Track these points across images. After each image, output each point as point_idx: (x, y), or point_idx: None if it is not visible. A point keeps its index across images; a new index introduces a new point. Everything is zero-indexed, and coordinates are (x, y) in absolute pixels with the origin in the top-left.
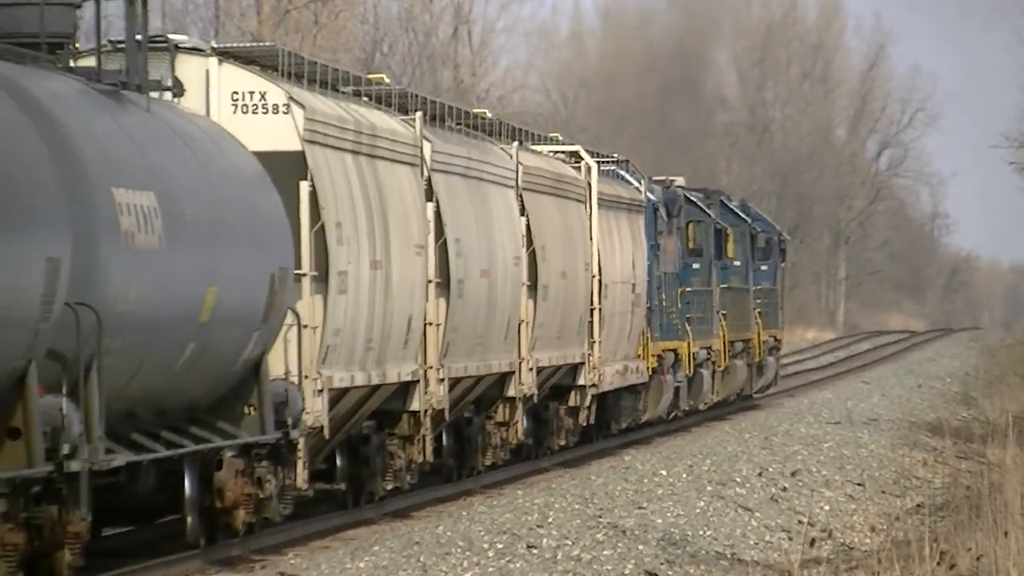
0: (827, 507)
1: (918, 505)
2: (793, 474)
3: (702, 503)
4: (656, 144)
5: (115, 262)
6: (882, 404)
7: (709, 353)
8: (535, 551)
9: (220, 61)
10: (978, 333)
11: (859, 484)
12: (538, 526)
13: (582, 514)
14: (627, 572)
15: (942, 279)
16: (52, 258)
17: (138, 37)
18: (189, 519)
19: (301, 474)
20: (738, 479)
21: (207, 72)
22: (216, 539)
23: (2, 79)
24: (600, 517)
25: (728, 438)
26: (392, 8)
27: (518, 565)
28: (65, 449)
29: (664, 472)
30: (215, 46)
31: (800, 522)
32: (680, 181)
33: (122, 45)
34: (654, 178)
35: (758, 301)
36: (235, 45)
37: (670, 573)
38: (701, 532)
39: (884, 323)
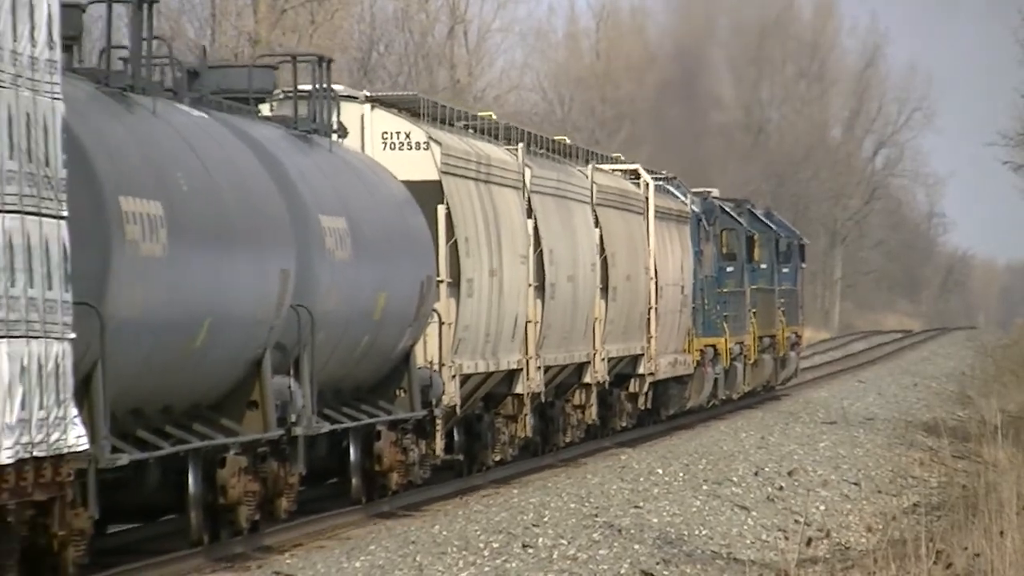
0: (823, 506)
1: (914, 504)
2: (790, 473)
3: (698, 502)
4: (651, 144)
5: (323, 273)
6: (878, 403)
7: (741, 348)
8: (531, 550)
9: (372, 107)
10: (974, 332)
11: (855, 483)
12: (534, 525)
13: (578, 513)
14: (623, 571)
15: (938, 278)
16: (284, 270)
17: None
18: (354, 480)
19: (439, 444)
20: (734, 478)
21: (362, 116)
22: (373, 497)
23: (237, 131)
24: (596, 516)
25: (724, 437)
26: (388, 8)
27: (514, 564)
28: (292, 418)
29: (660, 471)
30: (367, 95)
31: (796, 521)
32: (715, 192)
33: (295, 93)
34: (692, 190)
35: (781, 300)
36: (383, 94)
37: (666, 572)
38: (697, 531)
39: (880, 323)
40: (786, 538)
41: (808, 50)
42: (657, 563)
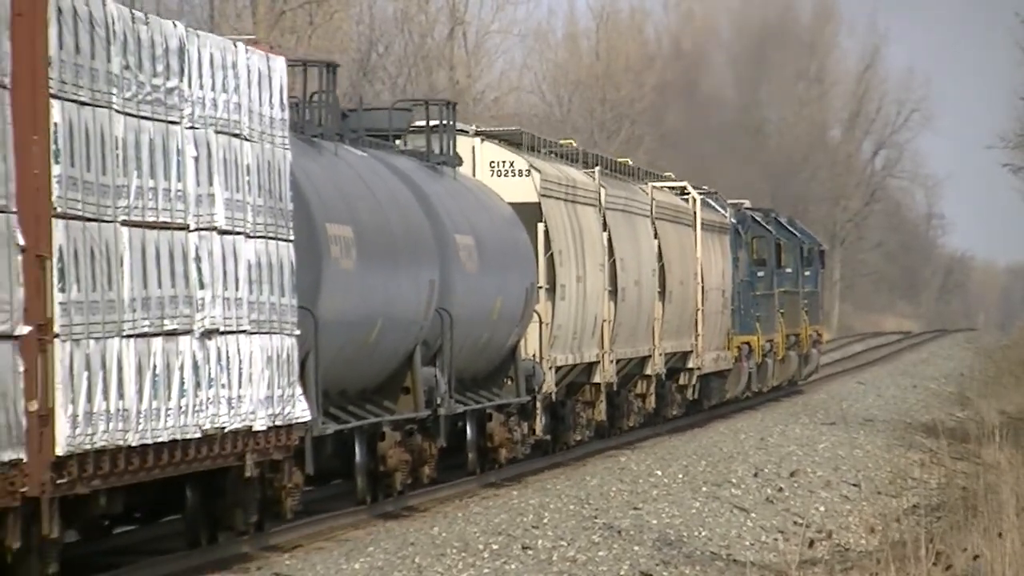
0: (823, 508)
1: (914, 506)
2: (792, 475)
3: (697, 504)
4: (651, 145)
5: (457, 282)
6: (877, 405)
7: (771, 345)
8: (530, 552)
9: (482, 140)
10: (973, 334)
11: (855, 485)
12: (533, 527)
13: (577, 515)
14: (622, 573)
15: (937, 280)
16: (432, 280)
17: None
18: (470, 455)
19: (539, 425)
20: (734, 480)
21: (473, 148)
22: (484, 469)
23: (389, 165)
24: (595, 518)
25: (724, 439)
26: (388, 9)
27: (513, 566)
28: (438, 400)
29: (659, 473)
30: (477, 129)
31: (796, 523)
32: (747, 204)
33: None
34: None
35: (805, 302)
36: (489, 128)
37: (665, 574)
38: (696, 533)
39: (879, 324)
40: (786, 540)
41: (807, 51)
42: (657, 565)
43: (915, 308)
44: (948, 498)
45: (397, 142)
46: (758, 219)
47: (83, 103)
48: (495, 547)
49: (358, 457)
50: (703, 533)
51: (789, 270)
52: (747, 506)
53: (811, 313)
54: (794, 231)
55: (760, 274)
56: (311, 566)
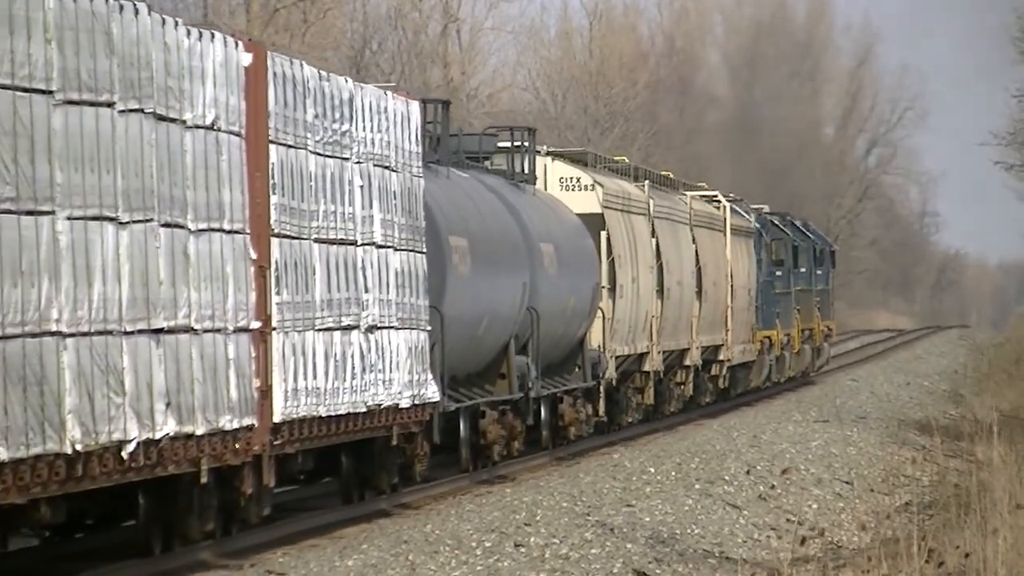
0: (815, 505)
1: (906, 503)
2: (784, 472)
3: (690, 501)
4: (644, 142)
5: (542, 284)
6: (870, 402)
7: (788, 339)
8: (523, 549)
9: (552, 159)
10: (966, 331)
11: (847, 482)
12: (526, 524)
13: (570, 512)
14: (615, 570)
15: (931, 277)
16: (524, 282)
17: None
18: (544, 433)
19: (601, 407)
20: (726, 477)
21: (544, 166)
22: (556, 445)
23: (484, 183)
24: (588, 515)
25: (716, 436)
26: (381, 6)
27: (506, 563)
28: (529, 384)
29: (652, 470)
30: (548, 149)
31: (789, 520)
32: (766, 208)
33: (511, 151)
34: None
35: (817, 299)
36: (559, 149)
37: (658, 571)
38: (689, 530)
39: (872, 321)
40: (778, 537)
41: (801, 49)
42: (649, 562)
43: (909, 305)
44: (941, 495)
45: (486, 162)
46: (776, 223)
47: (289, 146)
48: (488, 544)
49: (462, 432)
50: (696, 531)
51: (804, 270)
52: (740, 503)
53: (823, 309)
54: (808, 233)
55: (779, 274)
56: (304, 563)
